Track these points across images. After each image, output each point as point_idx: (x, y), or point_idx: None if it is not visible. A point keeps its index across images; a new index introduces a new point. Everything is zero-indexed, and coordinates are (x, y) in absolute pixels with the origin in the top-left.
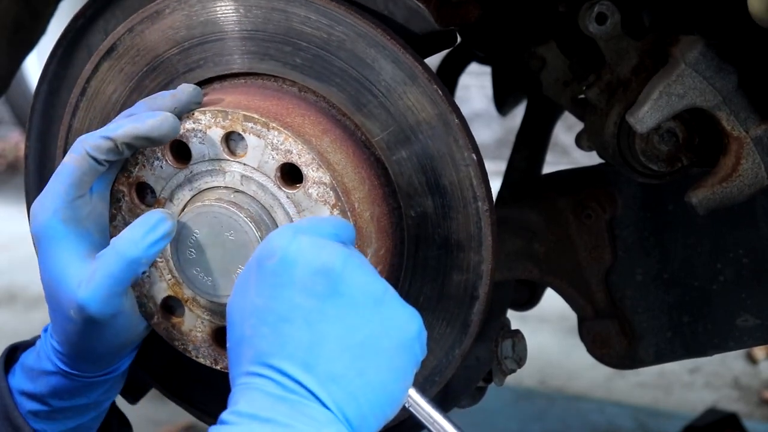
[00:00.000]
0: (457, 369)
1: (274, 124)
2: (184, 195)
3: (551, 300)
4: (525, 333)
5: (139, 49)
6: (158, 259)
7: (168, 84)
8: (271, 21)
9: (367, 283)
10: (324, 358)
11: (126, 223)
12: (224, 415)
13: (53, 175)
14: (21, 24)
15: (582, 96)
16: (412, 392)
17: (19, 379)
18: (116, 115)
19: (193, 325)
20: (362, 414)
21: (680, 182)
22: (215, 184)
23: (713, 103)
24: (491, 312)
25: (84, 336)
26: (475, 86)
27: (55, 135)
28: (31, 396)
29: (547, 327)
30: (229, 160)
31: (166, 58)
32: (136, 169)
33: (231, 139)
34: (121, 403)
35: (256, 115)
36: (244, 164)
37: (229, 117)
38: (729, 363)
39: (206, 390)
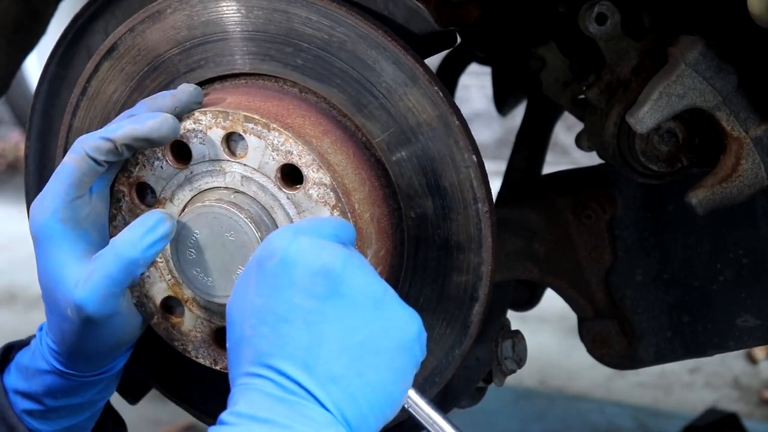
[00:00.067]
0: (456, 370)
1: (274, 125)
2: (185, 195)
3: (551, 300)
4: (525, 333)
5: (140, 49)
6: (158, 260)
7: (169, 84)
8: (273, 22)
9: (367, 284)
10: (323, 359)
11: (126, 223)
12: (224, 416)
13: (53, 175)
14: (21, 24)
15: (582, 96)
16: (412, 393)
17: (13, 378)
18: (117, 115)
19: (193, 325)
20: (362, 415)
21: (680, 182)
22: (215, 184)
23: (713, 103)
24: (491, 312)
25: (80, 335)
26: (475, 86)
27: (55, 135)
28: (26, 395)
29: (547, 327)
30: (229, 160)
31: (167, 58)
32: (137, 169)
33: (231, 140)
34: (121, 403)
35: (256, 116)
36: (245, 165)
37: (230, 117)
38: (729, 363)
39: (206, 390)
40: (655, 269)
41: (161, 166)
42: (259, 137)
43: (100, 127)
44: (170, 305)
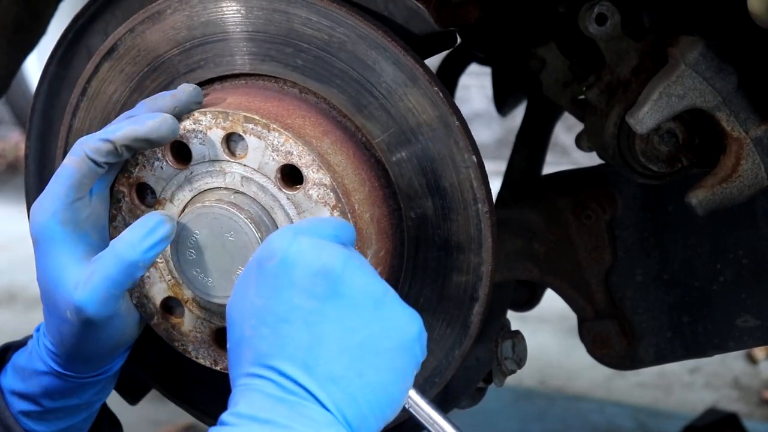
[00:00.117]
0: (457, 370)
1: (274, 126)
2: (185, 196)
3: (551, 300)
4: (525, 333)
5: (140, 50)
6: (158, 260)
7: (169, 84)
8: (273, 22)
9: (367, 285)
10: (323, 359)
11: (126, 224)
12: (224, 416)
13: (53, 176)
14: (21, 24)
15: (582, 97)
16: (412, 393)
17: (10, 379)
18: (117, 116)
19: (193, 325)
20: (362, 415)
21: (680, 183)
22: (215, 185)
23: (713, 103)
24: (491, 312)
25: (79, 337)
26: (475, 86)
27: (55, 135)
28: (23, 396)
29: (547, 327)
30: (229, 161)
31: (167, 59)
32: (137, 170)
33: (231, 140)
34: (121, 403)
35: (256, 117)
36: (245, 165)
37: (230, 118)
38: (729, 363)
39: (206, 391)
40: (655, 269)
41: (161, 167)
42: (259, 138)
43: (100, 128)
44: (170, 306)
